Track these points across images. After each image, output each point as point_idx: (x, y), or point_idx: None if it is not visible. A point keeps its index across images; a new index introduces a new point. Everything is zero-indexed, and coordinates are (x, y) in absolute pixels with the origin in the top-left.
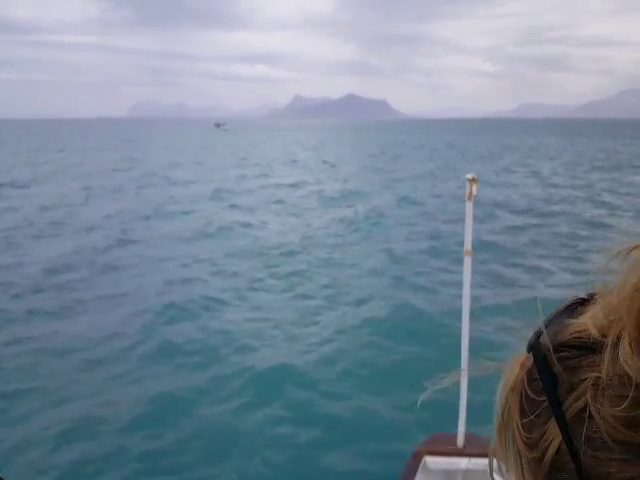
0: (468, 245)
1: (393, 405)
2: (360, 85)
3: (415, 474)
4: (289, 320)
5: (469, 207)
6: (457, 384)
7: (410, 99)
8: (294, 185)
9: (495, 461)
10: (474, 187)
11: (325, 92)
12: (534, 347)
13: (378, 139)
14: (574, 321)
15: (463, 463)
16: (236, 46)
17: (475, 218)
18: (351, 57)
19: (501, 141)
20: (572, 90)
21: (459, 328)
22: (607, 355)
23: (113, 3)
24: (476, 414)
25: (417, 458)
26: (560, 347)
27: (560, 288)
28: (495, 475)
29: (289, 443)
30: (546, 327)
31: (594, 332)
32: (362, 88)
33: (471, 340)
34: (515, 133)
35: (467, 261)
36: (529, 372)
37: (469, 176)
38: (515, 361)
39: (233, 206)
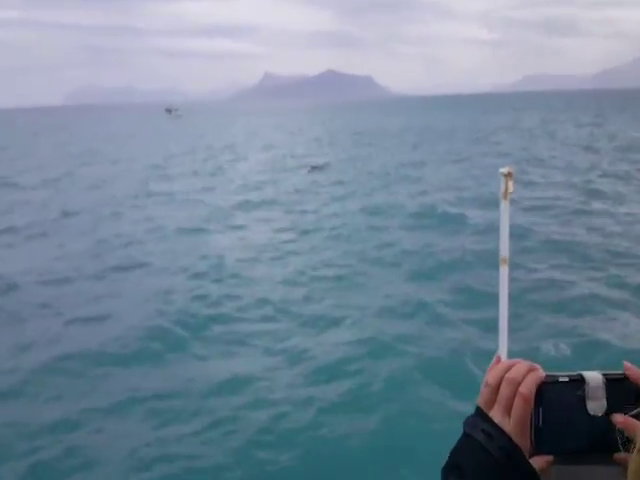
0: (504, 252)
1: None
2: (340, 59)
3: None
4: None
5: (505, 207)
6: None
7: (399, 74)
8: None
9: None
10: (510, 183)
11: (300, 68)
12: None
13: (361, 121)
14: None
15: None
16: (192, 17)
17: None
18: (328, 27)
19: (495, 120)
20: (581, 58)
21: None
22: None
23: None
24: None
25: None
26: None
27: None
28: None
29: None
30: None
31: None
32: (343, 63)
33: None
34: (519, 108)
35: (503, 271)
36: None
37: (504, 170)
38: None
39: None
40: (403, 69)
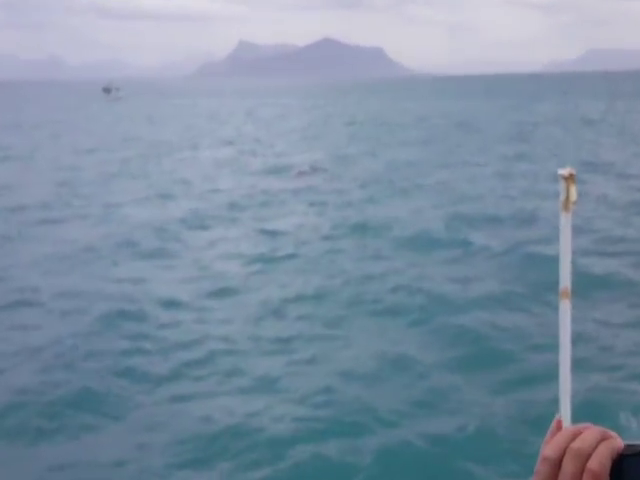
0: (566, 281)
1: None
2: (341, 25)
3: None
4: None
5: (565, 220)
6: None
7: (418, 46)
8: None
9: None
10: (572, 189)
11: (286, 36)
12: None
13: (364, 107)
14: None
15: None
16: None
17: None
18: None
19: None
20: None
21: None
22: None
23: None
24: None
25: None
26: None
27: None
28: None
29: None
30: None
31: None
32: (344, 29)
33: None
34: (580, 93)
35: (564, 307)
36: None
37: (563, 172)
38: None
39: None
40: (424, 40)
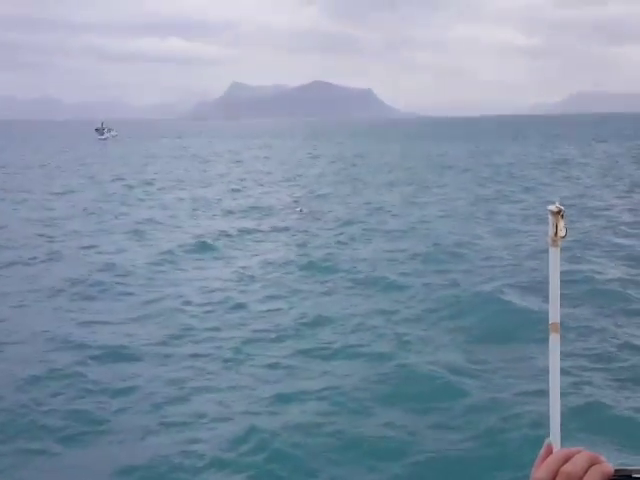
0: (555, 317)
1: None
2: (332, 68)
3: None
4: None
5: (554, 255)
6: None
7: (407, 88)
8: None
9: None
10: (561, 224)
11: (278, 78)
12: None
13: (350, 147)
14: None
15: None
16: (138, 8)
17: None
18: (317, 25)
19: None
20: None
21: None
22: None
23: None
24: None
25: None
26: None
27: None
28: None
29: None
30: None
31: None
32: (335, 72)
33: None
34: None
35: (554, 340)
36: None
37: (552, 207)
38: None
39: None
40: (411, 82)
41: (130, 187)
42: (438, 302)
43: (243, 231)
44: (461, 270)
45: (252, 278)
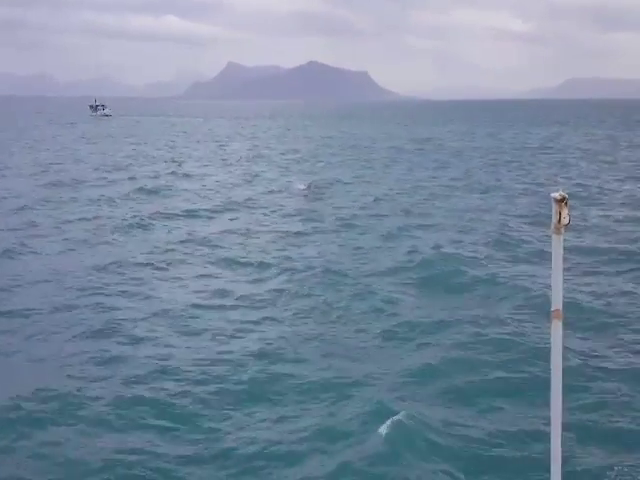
0: (557, 303)
1: None
2: (327, 50)
3: None
4: None
5: (557, 243)
6: None
7: (403, 72)
8: None
9: None
10: (564, 212)
11: (274, 59)
12: None
13: (338, 131)
14: None
15: None
16: None
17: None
18: (313, 7)
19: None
20: None
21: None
22: None
23: None
24: None
25: None
26: None
27: None
28: None
29: None
30: None
31: None
32: (331, 54)
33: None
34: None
35: (556, 327)
36: None
37: (556, 195)
38: None
39: None
40: (409, 66)
41: None
42: None
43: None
44: None
45: None
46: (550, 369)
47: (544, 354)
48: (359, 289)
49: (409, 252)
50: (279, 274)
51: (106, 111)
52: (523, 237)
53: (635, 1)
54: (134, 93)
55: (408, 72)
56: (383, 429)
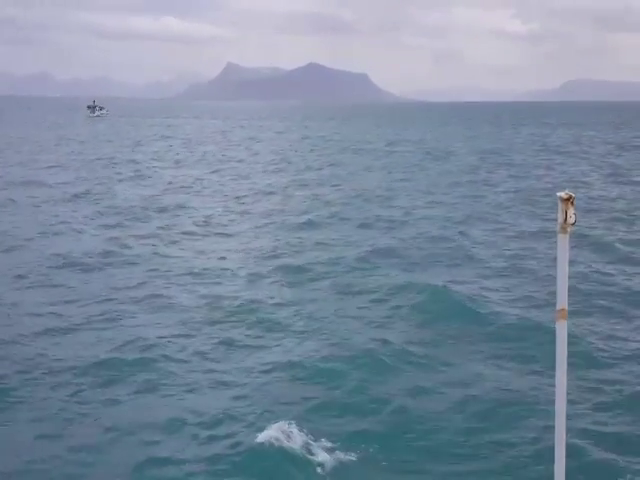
0: (563, 303)
1: None
2: (327, 51)
3: None
4: None
5: (563, 242)
6: None
7: (402, 73)
8: None
9: None
10: (570, 211)
11: (274, 60)
12: None
13: (335, 133)
14: None
15: None
16: None
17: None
18: (313, 8)
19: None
20: None
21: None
22: None
23: None
24: None
25: None
26: None
27: None
28: None
29: None
30: None
31: None
32: (330, 55)
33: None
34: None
35: (561, 327)
36: None
37: (562, 194)
38: None
39: None
40: (408, 66)
41: None
42: None
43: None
44: None
45: None
46: (555, 366)
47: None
48: None
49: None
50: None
51: (104, 112)
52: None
53: (635, 2)
54: (133, 93)
55: (407, 74)
56: None
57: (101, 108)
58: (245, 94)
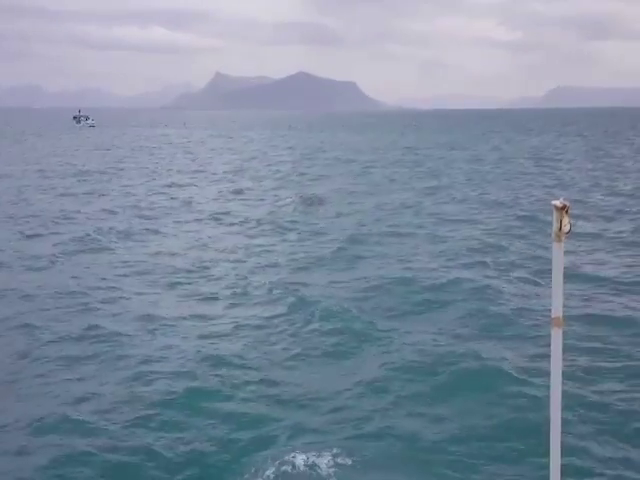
0: (558, 311)
1: None
2: (315, 60)
3: None
4: None
5: (558, 250)
6: None
7: (390, 81)
8: None
9: None
10: (565, 219)
11: (263, 69)
12: None
13: (323, 140)
14: None
15: None
16: None
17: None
18: (301, 18)
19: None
20: (631, 66)
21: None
22: None
23: None
24: None
25: None
26: None
27: None
28: None
29: None
30: None
31: None
32: (319, 64)
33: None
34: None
35: (556, 335)
36: None
37: (557, 203)
38: None
39: None
40: (395, 75)
41: None
42: None
43: None
44: None
45: None
46: (550, 375)
47: None
48: None
49: None
50: None
51: (89, 122)
52: None
53: (619, 9)
54: (122, 103)
55: (395, 82)
56: None
57: (87, 118)
58: (234, 103)
